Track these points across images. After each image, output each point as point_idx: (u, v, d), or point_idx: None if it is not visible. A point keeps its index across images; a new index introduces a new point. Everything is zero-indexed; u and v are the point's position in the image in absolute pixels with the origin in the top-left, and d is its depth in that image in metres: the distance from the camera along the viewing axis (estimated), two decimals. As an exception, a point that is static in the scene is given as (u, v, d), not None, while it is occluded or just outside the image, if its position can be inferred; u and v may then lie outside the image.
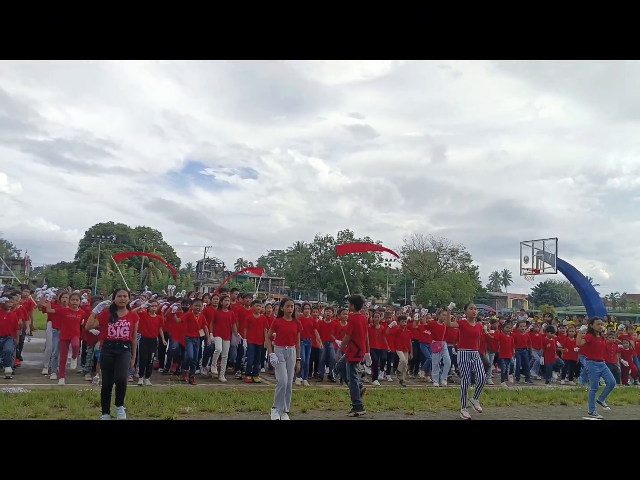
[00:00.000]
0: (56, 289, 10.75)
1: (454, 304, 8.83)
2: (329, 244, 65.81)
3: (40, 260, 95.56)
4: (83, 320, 9.51)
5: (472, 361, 8.24)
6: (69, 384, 8.80)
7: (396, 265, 72.09)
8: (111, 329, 6.64)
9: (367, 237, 66.43)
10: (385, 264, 67.72)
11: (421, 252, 68.41)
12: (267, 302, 11.60)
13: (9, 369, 8.75)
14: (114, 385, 6.58)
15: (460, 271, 66.39)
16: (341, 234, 65.95)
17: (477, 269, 70.39)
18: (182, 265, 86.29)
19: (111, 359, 6.61)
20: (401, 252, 69.54)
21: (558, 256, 24.02)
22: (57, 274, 63.36)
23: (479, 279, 72.53)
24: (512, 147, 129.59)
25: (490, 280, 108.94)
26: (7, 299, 9.28)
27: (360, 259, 65.20)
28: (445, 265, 68.98)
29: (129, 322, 6.75)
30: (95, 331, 8.28)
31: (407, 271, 70.73)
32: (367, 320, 8.56)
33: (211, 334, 10.19)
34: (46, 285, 12.98)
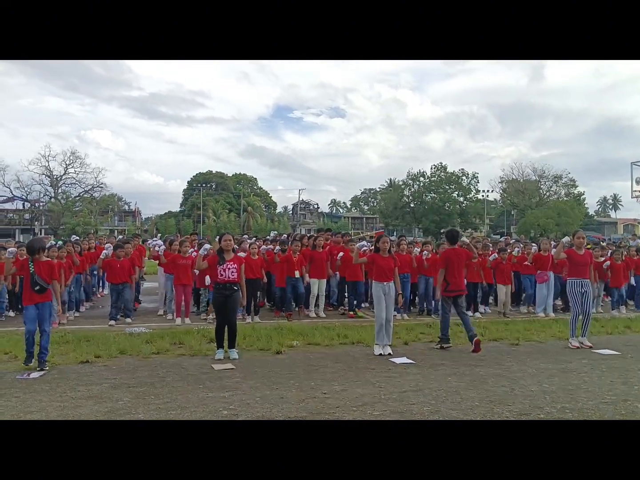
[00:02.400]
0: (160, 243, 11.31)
1: (569, 238, 8.34)
2: (422, 179, 64.35)
3: (149, 210, 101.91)
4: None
5: (583, 290, 7.91)
6: (187, 324, 9.50)
7: (494, 196, 69.52)
8: (220, 271, 7.03)
9: (462, 169, 64.31)
10: (483, 196, 65.44)
11: (521, 180, 65.22)
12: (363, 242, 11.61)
13: (128, 320, 9.51)
14: (226, 326, 7.03)
15: (565, 198, 62.82)
16: (434, 168, 64.19)
17: (583, 194, 66.14)
18: (278, 209, 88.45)
19: (223, 300, 7.04)
20: (499, 182, 66.90)
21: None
22: (165, 222, 67.30)
23: (586, 205, 68.25)
24: (620, 60, 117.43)
25: (599, 206, 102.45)
26: (119, 248, 9.95)
27: (456, 192, 63.35)
28: (548, 193, 65.49)
29: (235, 264, 7.09)
30: (207, 280, 8.94)
31: (506, 201, 68.06)
32: (466, 255, 8.30)
33: (307, 275, 10.48)
34: (159, 235, 13.70)
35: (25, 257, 7.00)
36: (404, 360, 6.89)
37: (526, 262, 11.36)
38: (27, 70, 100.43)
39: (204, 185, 73.95)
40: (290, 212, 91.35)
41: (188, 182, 78.87)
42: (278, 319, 10.01)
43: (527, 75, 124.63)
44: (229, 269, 7.03)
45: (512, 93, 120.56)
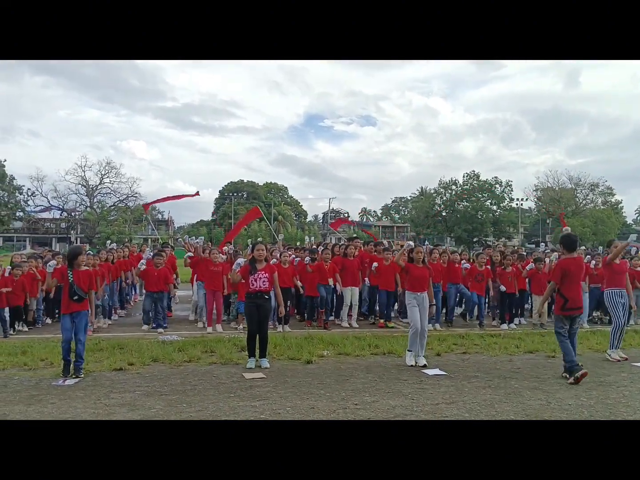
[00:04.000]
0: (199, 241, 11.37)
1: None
2: (454, 187, 63.77)
3: (182, 219, 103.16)
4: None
5: (623, 301, 7.71)
6: (218, 332, 9.56)
7: (529, 204, 68.45)
8: (251, 280, 7.03)
9: (495, 177, 63.54)
10: (517, 204, 64.44)
11: (556, 188, 64.09)
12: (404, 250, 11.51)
13: (161, 330, 9.56)
14: (258, 335, 7.04)
15: (602, 207, 61.52)
16: (467, 176, 63.54)
17: (621, 203, 64.75)
18: (309, 217, 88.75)
19: (254, 309, 7.05)
20: (534, 190, 65.83)
21: None
22: (197, 231, 68.10)
23: (624, 214, 66.65)
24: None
25: (637, 215, 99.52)
26: (157, 257, 10.09)
27: (489, 201, 62.56)
28: (584, 202, 64.26)
29: (267, 274, 7.10)
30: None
31: (541, 210, 66.91)
32: (584, 265, 7.16)
33: (338, 284, 10.42)
34: (194, 237, 13.54)
35: (64, 265, 7.09)
36: (437, 371, 6.78)
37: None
38: (64, 82, 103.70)
39: (235, 194, 74.76)
40: (321, 221, 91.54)
41: (220, 191, 79.81)
42: (309, 329, 9.98)
43: (561, 81, 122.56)
44: (260, 278, 7.04)
45: (547, 99, 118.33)
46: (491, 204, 62.53)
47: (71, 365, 6.37)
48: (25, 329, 9.69)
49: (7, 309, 9.14)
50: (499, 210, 62.47)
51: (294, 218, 77.24)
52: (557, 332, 6.68)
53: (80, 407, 5.12)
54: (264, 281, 7.04)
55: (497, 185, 62.66)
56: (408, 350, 7.26)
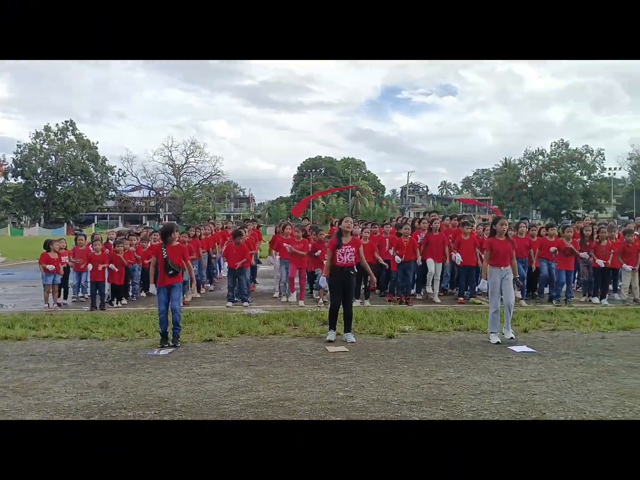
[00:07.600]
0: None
1: None
2: (540, 157, 60.93)
3: (262, 196, 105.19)
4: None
5: None
6: (301, 306, 9.77)
7: (622, 174, 64.31)
8: (339, 255, 7.07)
9: (586, 145, 60.13)
10: (609, 174, 60.66)
11: (654, 156, 59.71)
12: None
13: (245, 304, 9.85)
14: (343, 311, 7.13)
15: None
16: (555, 145, 60.45)
17: None
18: (387, 192, 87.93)
19: (339, 283, 7.12)
20: (628, 159, 61.75)
21: None
22: (277, 208, 69.47)
23: None
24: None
25: None
26: (238, 236, 10.32)
27: (579, 171, 59.31)
28: (686, 170, 59.44)
29: (353, 248, 7.13)
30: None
31: (636, 180, 62.71)
32: None
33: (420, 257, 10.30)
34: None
35: (159, 242, 7.44)
36: (524, 348, 6.59)
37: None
38: (150, 64, 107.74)
39: (313, 170, 75.30)
40: (399, 195, 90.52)
41: (298, 167, 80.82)
42: (390, 304, 9.96)
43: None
44: (347, 252, 7.07)
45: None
46: (581, 174, 59.38)
47: (168, 334, 6.77)
48: (125, 301, 10.28)
49: (107, 284, 9.75)
50: (589, 181, 59.18)
51: (372, 193, 76.82)
52: None
53: (174, 377, 5.42)
54: (350, 255, 7.07)
55: (588, 154, 59.38)
56: (491, 333, 7.05)
